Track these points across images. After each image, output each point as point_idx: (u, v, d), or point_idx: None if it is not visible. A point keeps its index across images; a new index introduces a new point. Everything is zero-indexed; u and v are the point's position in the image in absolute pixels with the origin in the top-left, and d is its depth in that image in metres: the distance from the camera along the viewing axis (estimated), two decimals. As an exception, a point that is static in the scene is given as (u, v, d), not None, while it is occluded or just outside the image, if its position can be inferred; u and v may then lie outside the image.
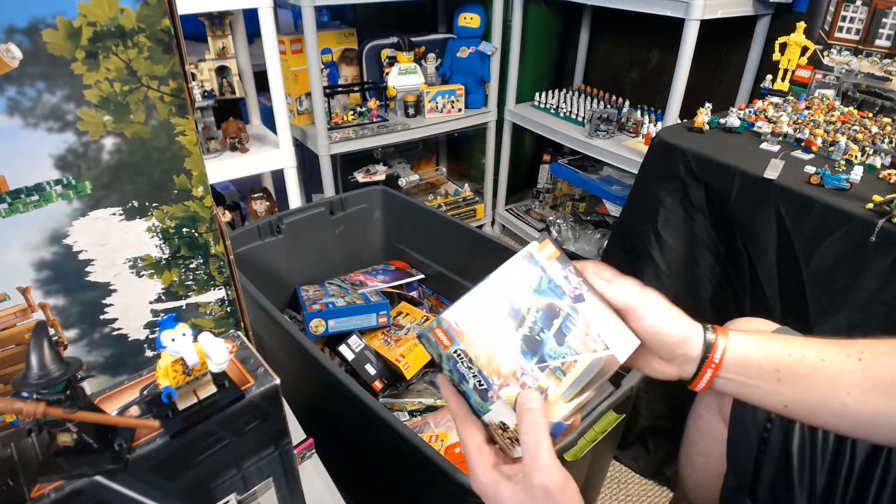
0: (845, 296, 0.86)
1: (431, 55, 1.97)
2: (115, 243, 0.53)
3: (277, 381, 0.48)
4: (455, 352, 0.45)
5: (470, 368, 0.45)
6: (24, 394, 0.36)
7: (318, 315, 1.21)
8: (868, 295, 0.83)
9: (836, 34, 1.29)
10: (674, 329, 0.49)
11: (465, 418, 0.46)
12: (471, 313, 0.46)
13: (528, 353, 0.45)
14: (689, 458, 0.87)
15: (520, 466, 0.43)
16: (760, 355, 0.50)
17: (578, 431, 0.74)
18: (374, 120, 1.85)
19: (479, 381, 0.45)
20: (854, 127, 1.12)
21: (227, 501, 0.50)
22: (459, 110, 1.94)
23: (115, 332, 0.57)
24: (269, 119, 1.54)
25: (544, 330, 0.46)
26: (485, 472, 0.45)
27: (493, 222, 2.31)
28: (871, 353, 0.49)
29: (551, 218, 1.89)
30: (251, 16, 1.34)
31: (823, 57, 1.31)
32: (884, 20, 1.21)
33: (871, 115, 1.20)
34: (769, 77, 1.39)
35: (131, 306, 0.57)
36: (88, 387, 0.46)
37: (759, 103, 1.30)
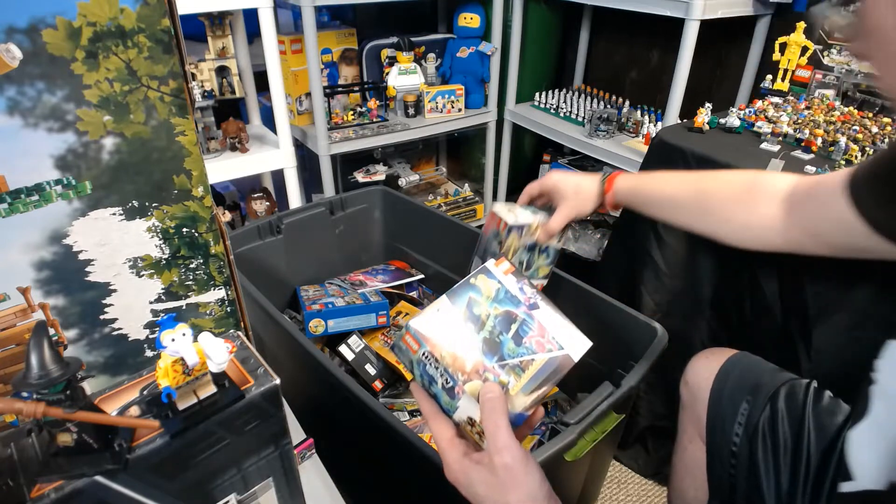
0: (845, 295, 0.86)
1: (431, 55, 1.97)
2: (115, 243, 0.53)
3: (277, 381, 0.48)
4: (423, 354, 0.50)
5: (437, 368, 0.50)
6: (24, 394, 0.36)
7: (317, 315, 1.21)
8: (868, 294, 0.83)
9: (836, 34, 1.29)
10: (592, 205, 0.91)
11: (435, 416, 0.51)
12: (435, 320, 0.51)
13: (489, 354, 0.50)
14: (679, 494, 0.88)
15: (486, 452, 0.47)
16: (630, 187, 0.88)
17: (578, 431, 0.74)
18: (374, 120, 1.85)
19: (447, 380, 0.49)
20: (854, 127, 1.12)
21: (227, 501, 0.50)
22: (459, 110, 1.94)
23: (115, 332, 0.57)
24: (269, 119, 1.54)
25: (503, 333, 0.51)
26: (455, 460, 0.49)
27: (493, 222, 2.31)
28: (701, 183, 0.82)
29: (551, 218, 1.88)
30: (251, 16, 1.34)
31: (823, 57, 1.31)
32: (884, 20, 1.20)
33: (871, 115, 1.20)
34: (769, 77, 1.39)
35: (131, 306, 0.57)
36: (88, 387, 0.46)
37: (759, 103, 1.30)
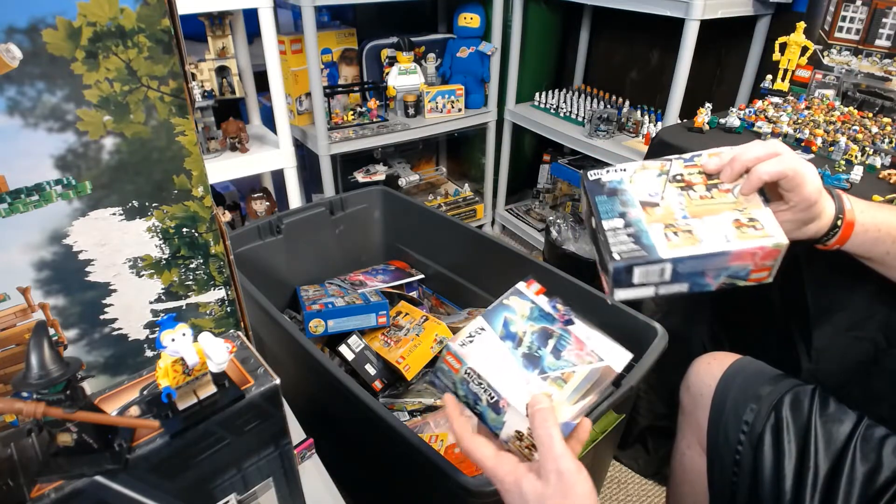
0: (846, 295, 0.86)
1: (431, 55, 1.97)
2: (115, 243, 0.53)
3: (277, 381, 0.48)
4: (466, 371, 0.50)
5: (480, 384, 0.50)
6: (24, 394, 0.36)
7: (317, 315, 1.21)
8: (868, 295, 0.83)
9: (836, 34, 1.29)
10: (816, 186, 0.58)
11: (471, 437, 0.50)
12: (473, 338, 0.52)
13: (530, 367, 0.50)
14: (677, 499, 0.88)
15: (539, 462, 0.45)
16: (870, 219, 0.63)
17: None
18: (374, 120, 1.85)
19: (490, 395, 0.49)
20: (854, 127, 1.12)
21: (227, 501, 0.50)
22: (459, 110, 1.94)
23: (115, 332, 0.57)
24: (269, 119, 1.54)
25: (541, 348, 0.52)
26: (508, 472, 0.47)
27: (493, 222, 2.31)
28: None
29: (551, 218, 1.88)
30: (251, 16, 1.34)
31: (823, 57, 1.31)
32: (884, 20, 1.21)
33: (871, 115, 1.20)
34: (769, 77, 1.39)
35: (131, 306, 0.57)
36: (88, 387, 0.46)
37: (759, 103, 1.30)
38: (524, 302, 0.55)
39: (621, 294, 0.52)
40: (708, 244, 0.50)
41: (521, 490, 0.46)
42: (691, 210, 0.53)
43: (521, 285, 0.56)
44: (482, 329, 0.53)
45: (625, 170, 0.57)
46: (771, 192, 0.58)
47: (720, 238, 0.51)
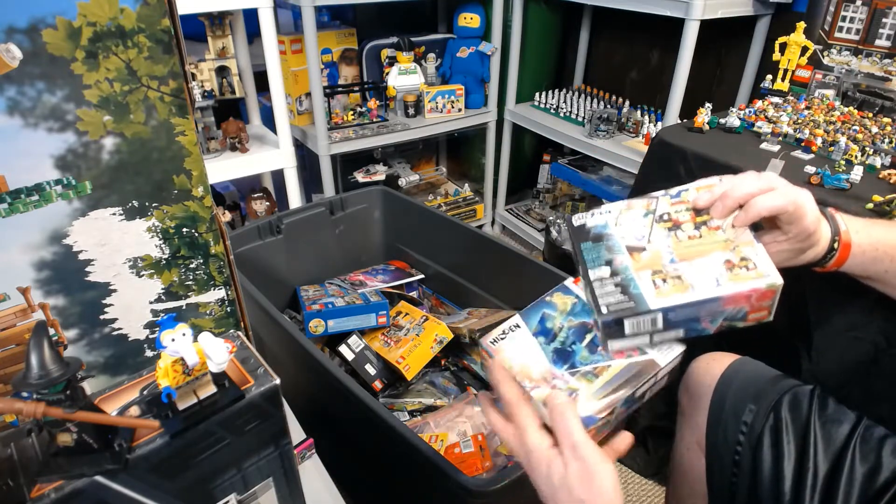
0: (846, 297, 0.86)
1: (431, 55, 1.97)
2: (115, 243, 0.53)
3: (277, 381, 0.48)
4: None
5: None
6: (24, 394, 0.36)
7: (317, 315, 1.21)
8: (869, 296, 0.83)
9: (836, 34, 1.29)
10: (812, 218, 0.55)
11: (504, 423, 0.50)
12: (506, 335, 0.53)
13: (559, 362, 0.51)
14: (676, 501, 0.88)
15: (560, 450, 0.46)
16: (866, 238, 0.60)
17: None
18: (374, 120, 1.85)
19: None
20: (854, 127, 1.12)
21: (227, 501, 0.50)
22: (459, 110, 1.94)
23: (115, 332, 0.57)
24: (269, 119, 1.54)
25: (576, 342, 0.52)
26: (536, 447, 0.47)
27: (493, 222, 2.31)
28: None
29: (551, 218, 1.88)
30: (251, 16, 1.34)
31: (823, 57, 1.31)
32: (884, 20, 1.21)
33: (871, 115, 1.20)
34: (769, 77, 1.39)
35: (131, 306, 0.57)
36: (88, 387, 0.46)
37: (759, 103, 1.30)
38: (567, 297, 0.55)
39: (615, 345, 0.50)
40: (698, 290, 0.48)
41: (549, 471, 0.46)
42: (679, 252, 0.50)
43: (568, 282, 0.56)
44: (517, 326, 0.53)
45: (610, 211, 0.55)
46: (766, 222, 0.56)
47: (710, 282, 0.48)
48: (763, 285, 0.48)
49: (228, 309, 0.64)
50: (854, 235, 0.60)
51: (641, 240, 0.52)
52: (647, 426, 1.23)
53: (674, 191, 0.54)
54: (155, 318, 0.58)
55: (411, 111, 1.91)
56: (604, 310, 0.48)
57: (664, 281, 0.49)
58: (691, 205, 0.53)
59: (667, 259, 0.50)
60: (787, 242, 0.56)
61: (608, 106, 1.85)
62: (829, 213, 0.60)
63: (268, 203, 1.67)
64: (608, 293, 0.49)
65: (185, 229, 0.57)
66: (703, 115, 1.19)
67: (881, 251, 0.61)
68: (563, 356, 0.51)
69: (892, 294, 0.64)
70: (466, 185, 2.26)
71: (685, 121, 1.26)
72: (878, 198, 0.86)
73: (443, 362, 1.27)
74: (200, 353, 0.43)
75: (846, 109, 1.22)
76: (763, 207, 0.51)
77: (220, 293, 0.62)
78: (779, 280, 0.48)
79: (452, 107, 1.93)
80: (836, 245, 0.59)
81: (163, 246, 0.56)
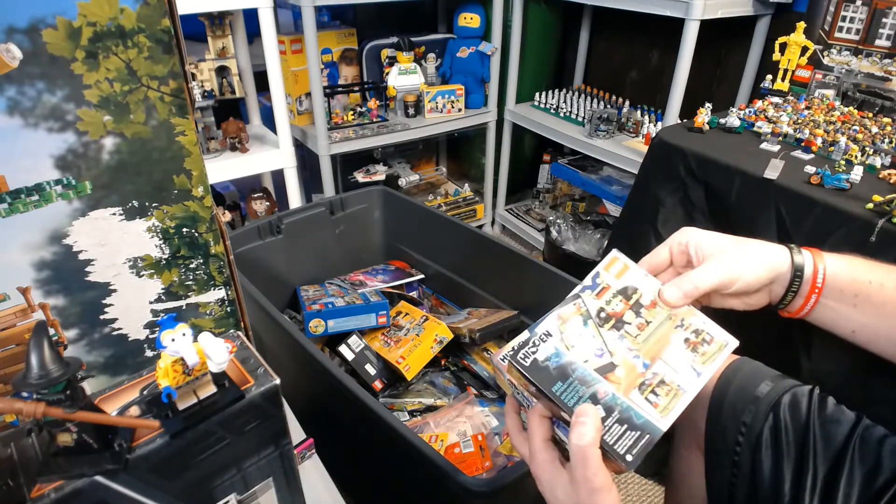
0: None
1: (431, 55, 1.97)
2: (115, 243, 0.53)
3: (277, 381, 0.48)
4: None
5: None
6: (24, 394, 0.36)
7: (317, 315, 1.21)
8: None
9: (836, 34, 1.29)
10: (762, 275, 0.51)
11: (518, 433, 0.50)
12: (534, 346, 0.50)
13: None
14: (675, 501, 0.88)
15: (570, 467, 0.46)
16: (846, 279, 0.51)
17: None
18: (374, 120, 1.85)
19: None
20: (854, 127, 1.13)
21: (227, 501, 0.50)
22: (459, 110, 1.94)
23: (115, 332, 0.57)
24: (269, 119, 1.54)
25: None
26: (545, 469, 0.47)
27: (493, 222, 2.31)
28: None
29: (551, 218, 1.89)
30: (251, 16, 1.34)
31: (823, 57, 1.31)
32: (884, 20, 1.21)
33: (871, 115, 1.20)
34: (769, 77, 1.39)
35: (131, 306, 0.57)
36: (88, 387, 0.46)
37: (759, 103, 1.30)
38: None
39: (637, 462, 0.47)
40: (688, 389, 0.47)
41: (555, 493, 0.46)
42: (645, 351, 0.48)
43: (585, 292, 0.51)
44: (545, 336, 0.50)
45: (549, 334, 0.49)
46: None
47: (691, 374, 0.48)
48: (728, 352, 0.48)
49: (228, 309, 0.64)
50: (832, 260, 0.53)
51: (602, 354, 0.49)
52: (647, 426, 1.23)
53: (588, 281, 0.51)
54: (155, 318, 0.58)
55: (411, 111, 1.91)
56: (629, 458, 0.46)
57: (655, 393, 0.48)
58: (614, 290, 0.50)
59: (639, 366, 0.48)
60: (737, 299, 0.54)
61: (608, 106, 1.85)
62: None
63: (268, 203, 1.67)
64: (617, 435, 0.46)
65: (185, 229, 0.57)
66: (703, 115, 1.19)
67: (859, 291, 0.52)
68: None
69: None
70: (466, 185, 2.26)
71: (685, 121, 1.26)
72: (878, 198, 0.86)
73: (443, 362, 1.27)
74: (200, 353, 0.43)
75: (846, 109, 1.22)
76: (694, 290, 0.49)
77: (220, 293, 0.62)
78: (735, 342, 0.49)
79: (452, 107, 1.93)
80: (797, 282, 0.52)
81: (163, 246, 0.56)
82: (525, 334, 0.49)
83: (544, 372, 0.48)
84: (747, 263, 0.51)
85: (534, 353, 0.49)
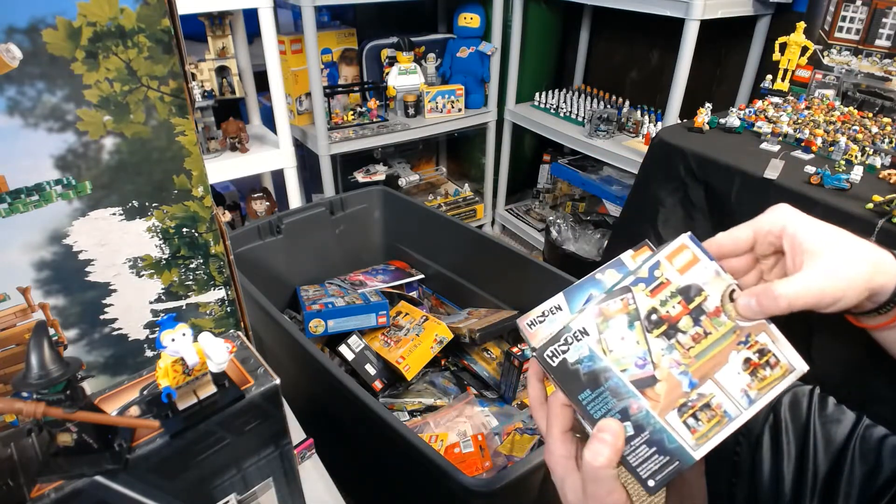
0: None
1: (431, 55, 1.97)
2: (115, 243, 0.53)
3: (277, 381, 0.48)
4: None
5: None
6: (24, 394, 0.36)
7: (317, 315, 1.21)
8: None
9: (836, 34, 1.29)
10: (863, 294, 0.41)
11: (556, 398, 0.44)
12: (546, 316, 0.44)
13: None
14: (674, 502, 0.88)
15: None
16: None
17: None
18: (374, 120, 1.85)
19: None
20: (854, 127, 1.13)
21: (227, 501, 0.50)
22: (459, 110, 1.94)
23: (115, 332, 0.57)
24: (269, 119, 1.54)
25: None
26: (558, 461, 0.44)
27: (493, 222, 2.31)
28: None
29: (551, 218, 1.89)
30: (251, 16, 1.34)
31: (823, 57, 1.31)
32: (884, 20, 1.21)
33: (871, 115, 1.20)
34: (769, 77, 1.39)
35: (131, 306, 0.57)
36: (88, 387, 0.46)
37: (759, 103, 1.30)
38: (621, 276, 0.43)
39: (659, 489, 0.43)
40: (735, 417, 0.40)
41: (564, 491, 0.44)
42: (694, 368, 0.41)
43: (625, 256, 0.45)
44: (558, 307, 0.44)
45: (585, 332, 0.42)
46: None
47: (742, 401, 0.40)
48: (794, 379, 0.41)
49: (228, 309, 0.64)
50: None
51: (644, 366, 0.41)
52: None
53: (643, 272, 0.42)
54: (155, 318, 0.58)
55: (411, 111, 1.91)
56: (651, 483, 0.41)
57: (696, 418, 0.41)
58: (674, 287, 0.41)
59: (685, 384, 0.41)
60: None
61: (608, 106, 1.85)
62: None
63: (268, 203, 1.67)
64: (643, 458, 0.41)
65: (185, 229, 0.57)
66: (703, 115, 1.19)
67: None
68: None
69: None
70: (466, 185, 2.26)
71: (685, 121, 1.26)
72: (878, 198, 0.86)
73: (443, 362, 1.27)
74: (200, 353, 0.43)
75: (846, 109, 1.22)
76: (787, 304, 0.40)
77: (220, 293, 0.62)
78: (804, 367, 0.42)
79: (452, 107, 1.93)
80: None
81: (163, 246, 0.56)
82: (556, 324, 0.43)
83: (573, 376, 0.42)
84: (854, 278, 0.40)
85: (564, 352, 0.42)
